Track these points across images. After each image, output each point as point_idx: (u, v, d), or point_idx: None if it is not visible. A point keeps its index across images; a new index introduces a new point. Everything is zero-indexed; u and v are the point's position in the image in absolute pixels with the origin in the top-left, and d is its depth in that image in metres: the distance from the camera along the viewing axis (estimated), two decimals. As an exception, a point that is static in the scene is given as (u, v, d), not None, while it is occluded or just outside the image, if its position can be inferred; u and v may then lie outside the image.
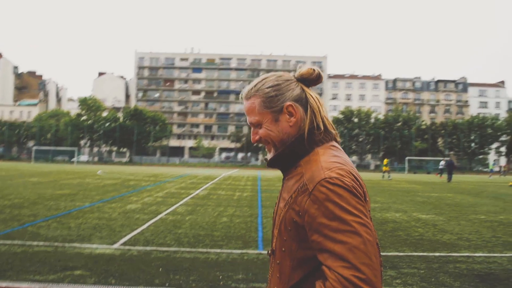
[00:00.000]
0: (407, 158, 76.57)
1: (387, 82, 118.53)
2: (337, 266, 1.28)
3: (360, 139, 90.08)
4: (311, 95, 1.57)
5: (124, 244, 8.13)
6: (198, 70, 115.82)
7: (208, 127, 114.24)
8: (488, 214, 14.13)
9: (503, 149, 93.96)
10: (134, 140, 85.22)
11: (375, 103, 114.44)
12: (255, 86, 1.58)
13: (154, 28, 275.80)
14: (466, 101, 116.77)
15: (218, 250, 7.85)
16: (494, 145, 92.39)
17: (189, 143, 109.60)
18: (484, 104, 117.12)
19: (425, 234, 10.16)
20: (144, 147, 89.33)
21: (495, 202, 18.28)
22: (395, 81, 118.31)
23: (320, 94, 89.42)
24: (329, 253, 1.31)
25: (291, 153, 1.53)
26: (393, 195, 20.44)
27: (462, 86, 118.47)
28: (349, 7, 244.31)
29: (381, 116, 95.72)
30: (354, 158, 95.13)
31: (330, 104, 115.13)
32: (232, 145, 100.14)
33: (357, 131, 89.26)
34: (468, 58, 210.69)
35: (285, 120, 1.54)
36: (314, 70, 1.58)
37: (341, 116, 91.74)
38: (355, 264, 1.26)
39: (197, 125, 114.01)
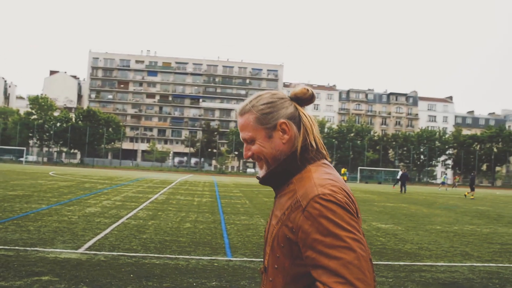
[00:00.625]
0: (359, 168, 78.17)
1: (341, 93, 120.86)
2: (332, 282, 1.27)
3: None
4: (304, 114, 1.59)
5: (89, 249, 7.89)
6: (153, 73, 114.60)
7: (162, 131, 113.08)
8: (443, 224, 14.56)
9: (449, 162, 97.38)
10: (86, 142, 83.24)
11: (329, 113, 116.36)
12: (250, 102, 1.59)
13: (110, 28, 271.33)
14: (416, 114, 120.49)
15: (187, 257, 7.75)
16: (442, 158, 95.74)
17: (142, 146, 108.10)
18: (432, 118, 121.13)
19: (387, 243, 10.37)
20: (96, 149, 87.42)
21: (448, 213, 18.86)
22: (348, 92, 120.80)
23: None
24: (323, 269, 1.31)
25: (283, 171, 1.54)
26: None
27: (413, 99, 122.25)
28: (306, 17, 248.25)
29: (334, 126, 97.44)
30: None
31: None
32: (186, 150, 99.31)
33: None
34: (419, 73, 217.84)
35: (278, 137, 1.54)
36: (308, 90, 1.60)
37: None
38: (349, 279, 1.26)
39: (150, 129, 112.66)
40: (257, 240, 9.73)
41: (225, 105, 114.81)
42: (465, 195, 33.39)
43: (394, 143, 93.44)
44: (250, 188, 31.41)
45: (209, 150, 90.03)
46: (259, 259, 7.88)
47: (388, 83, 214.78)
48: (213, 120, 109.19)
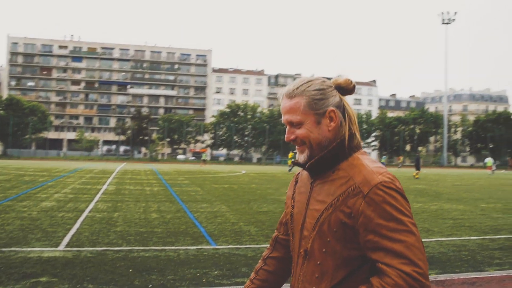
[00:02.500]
0: (291, 151, 79.56)
1: (269, 77, 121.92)
2: (397, 263, 1.36)
3: (246, 133, 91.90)
4: (347, 104, 1.63)
5: (69, 245, 7.54)
6: (78, 59, 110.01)
7: (88, 119, 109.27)
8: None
9: (375, 143, 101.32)
10: (10, 132, 78.79)
11: (258, 98, 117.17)
12: (300, 86, 1.59)
13: (30, 11, 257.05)
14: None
15: (173, 247, 7.61)
16: (370, 140, 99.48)
17: (68, 135, 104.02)
18: (358, 101, 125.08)
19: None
20: (20, 140, 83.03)
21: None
22: (277, 76, 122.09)
23: (204, 88, 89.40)
24: (386, 251, 1.38)
25: (332, 157, 1.57)
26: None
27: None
28: (234, 1, 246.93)
29: (265, 111, 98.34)
30: (237, 151, 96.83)
31: (214, 98, 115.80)
32: (116, 138, 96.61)
33: (243, 125, 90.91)
34: (344, 57, 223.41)
35: (326, 124, 1.58)
36: (351, 81, 1.63)
37: (227, 109, 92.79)
38: (413, 260, 1.35)
39: (76, 117, 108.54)
40: (231, 227, 9.73)
41: (153, 91, 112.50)
42: (414, 176, 33.89)
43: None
44: (194, 175, 31.24)
45: (140, 137, 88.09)
46: (244, 246, 7.89)
47: (315, 67, 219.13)
48: (142, 106, 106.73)
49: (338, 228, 1.48)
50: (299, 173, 1.84)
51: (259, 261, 1.94)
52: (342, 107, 1.61)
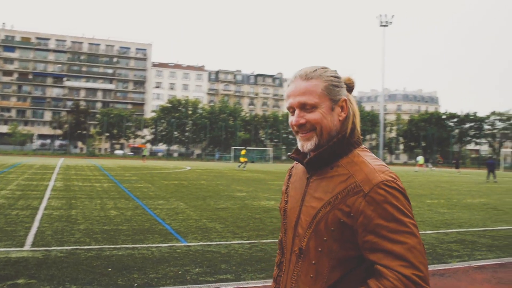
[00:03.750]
0: (232, 147, 79.67)
1: (210, 73, 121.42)
2: (397, 265, 1.32)
3: (187, 128, 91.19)
4: (353, 99, 1.63)
5: (35, 245, 7.22)
6: (10, 48, 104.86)
7: (21, 112, 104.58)
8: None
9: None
10: None
11: (198, 94, 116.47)
12: (316, 70, 1.55)
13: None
14: (282, 95, 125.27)
15: (144, 245, 7.47)
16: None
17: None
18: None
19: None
20: None
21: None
22: (217, 73, 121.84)
23: (144, 82, 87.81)
24: (385, 253, 1.34)
25: (332, 152, 1.52)
26: (250, 184, 21.28)
27: (279, 81, 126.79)
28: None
29: (205, 107, 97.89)
30: (177, 147, 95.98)
31: (154, 93, 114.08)
32: (51, 132, 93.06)
33: (184, 121, 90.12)
34: (284, 55, 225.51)
35: (337, 113, 1.53)
36: (353, 80, 1.64)
37: (168, 105, 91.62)
38: (414, 263, 1.31)
39: (8, 109, 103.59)
40: (195, 224, 9.67)
41: (91, 85, 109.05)
42: None
43: (264, 123, 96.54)
44: (140, 171, 30.74)
45: (78, 132, 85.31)
46: (215, 243, 7.87)
47: (255, 64, 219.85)
48: (79, 100, 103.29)
49: (336, 227, 1.43)
50: (292, 166, 1.79)
51: (274, 268, 1.84)
52: (348, 101, 1.59)
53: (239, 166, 38.83)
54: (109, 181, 20.10)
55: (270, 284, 1.64)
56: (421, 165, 49.60)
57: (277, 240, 8.34)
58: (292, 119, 1.54)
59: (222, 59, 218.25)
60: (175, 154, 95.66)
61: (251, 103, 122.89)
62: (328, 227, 1.44)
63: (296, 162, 1.73)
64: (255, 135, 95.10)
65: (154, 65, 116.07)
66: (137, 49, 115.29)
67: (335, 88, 1.53)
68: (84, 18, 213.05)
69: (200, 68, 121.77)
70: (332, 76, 1.55)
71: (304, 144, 1.52)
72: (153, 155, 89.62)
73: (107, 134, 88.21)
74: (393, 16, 72.16)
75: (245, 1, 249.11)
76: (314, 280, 1.47)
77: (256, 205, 13.22)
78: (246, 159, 37.77)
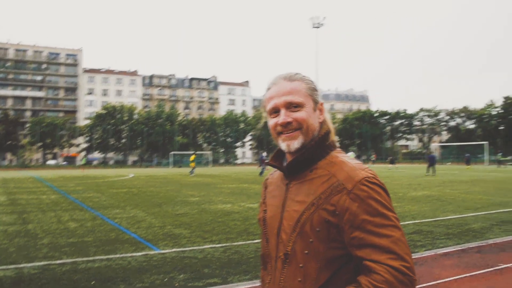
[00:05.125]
0: (171, 152, 78.82)
1: (144, 78, 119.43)
2: (385, 258, 1.34)
3: (123, 135, 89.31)
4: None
5: (3, 263, 6.90)
6: None
7: None
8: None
9: (252, 142, 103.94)
10: None
11: (132, 99, 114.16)
12: (297, 73, 1.61)
13: None
14: (217, 98, 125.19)
15: (119, 255, 7.35)
16: (246, 139, 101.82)
17: None
18: (232, 102, 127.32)
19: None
20: None
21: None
22: (151, 77, 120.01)
23: (75, 89, 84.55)
24: (373, 248, 1.37)
25: (310, 156, 1.54)
26: (200, 189, 21.21)
27: (214, 84, 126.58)
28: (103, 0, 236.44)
29: (141, 112, 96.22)
30: (113, 154, 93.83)
31: (86, 99, 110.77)
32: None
33: (120, 127, 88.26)
34: (218, 58, 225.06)
35: (317, 115, 1.59)
36: None
37: (103, 111, 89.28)
38: (401, 254, 1.35)
39: None
40: (161, 231, 9.60)
41: (19, 93, 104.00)
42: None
43: (202, 127, 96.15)
44: (83, 180, 29.82)
45: (9, 142, 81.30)
46: (189, 249, 7.87)
47: (190, 68, 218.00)
48: (6, 109, 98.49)
49: (322, 227, 1.44)
50: (267, 178, 1.80)
51: (259, 285, 1.78)
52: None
53: (191, 172, 37.11)
54: (55, 193, 19.40)
55: (258, 284, 1.59)
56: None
57: (248, 242, 8.52)
58: (276, 120, 1.55)
59: (156, 64, 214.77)
60: (111, 162, 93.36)
61: (187, 107, 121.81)
62: (314, 228, 1.45)
63: (271, 173, 1.78)
64: (193, 139, 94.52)
65: (86, 71, 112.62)
66: (67, 54, 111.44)
67: (315, 91, 1.59)
68: (10, 23, 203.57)
69: (134, 73, 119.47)
70: (311, 81, 1.61)
71: (290, 144, 1.53)
72: (88, 163, 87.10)
73: (40, 144, 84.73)
74: (324, 17, 73.97)
75: (175, 3, 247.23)
76: (303, 283, 1.47)
77: (215, 209, 13.25)
78: (194, 164, 36.81)
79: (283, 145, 1.55)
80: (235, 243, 8.34)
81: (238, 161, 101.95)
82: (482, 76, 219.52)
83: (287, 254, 1.50)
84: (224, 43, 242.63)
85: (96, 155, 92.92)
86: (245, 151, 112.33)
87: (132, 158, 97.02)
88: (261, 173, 33.94)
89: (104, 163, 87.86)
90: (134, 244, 8.34)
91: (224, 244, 8.24)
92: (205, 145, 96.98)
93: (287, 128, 1.53)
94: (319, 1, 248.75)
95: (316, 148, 1.54)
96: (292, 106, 1.53)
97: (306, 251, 1.46)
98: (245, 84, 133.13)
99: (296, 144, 1.52)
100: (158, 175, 37.84)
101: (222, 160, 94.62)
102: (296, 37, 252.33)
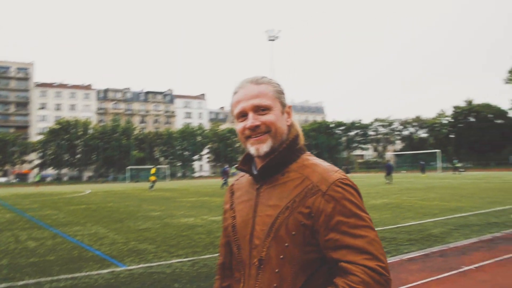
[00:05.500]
0: (128, 167, 77.60)
1: (98, 92, 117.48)
2: (361, 259, 1.34)
3: (78, 150, 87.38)
4: None
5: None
6: None
7: None
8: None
9: (209, 155, 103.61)
10: None
11: (87, 113, 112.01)
12: (264, 77, 1.59)
13: None
14: (173, 112, 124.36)
15: (83, 274, 7.17)
16: (204, 152, 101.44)
17: None
18: (188, 115, 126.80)
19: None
20: None
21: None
22: (106, 91, 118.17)
23: (27, 104, 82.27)
24: (348, 249, 1.36)
25: (282, 159, 1.53)
26: (160, 203, 20.97)
27: (170, 97, 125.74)
28: (57, 12, 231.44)
29: (96, 127, 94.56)
30: (67, 170, 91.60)
31: (39, 114, 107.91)
32: None
33: (75, 142, 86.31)
34: (173, 70, 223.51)
35: (285, 118, 1.58)
36: None
37: (57, 126, 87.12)
38: (376, 255, 1.35)
39: None
40: (125, 247, 9.43)
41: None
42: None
43: (158, 140, 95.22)
44: (38, 198, 29.06)
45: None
46: (155, 264, 7.77)
47: (145, 81, 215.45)
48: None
49: (297, 231, 1.42)
50: (233, 184, 1.76)
51: None
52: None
53: (151, 186, 36.32)
54: (9, 211, 18.78)
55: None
56: None
57: (215, 255, 8.47)
58: (244, 124, 1.53)
59: (110, 77, 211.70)
60: (65, 178, 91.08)
61: (143, 121, 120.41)
62: (289, 231, 1.43)
63: (237, 178, 1.75)
64: (149, 153, 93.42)
65: (38, 85, 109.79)
66: (18, 68, 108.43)
67: (281, 95, 1.57)
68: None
69: (88, 87, 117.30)
70: (278, 84, 1.60)
71: (259, 147, 1.51)
72: (42, 180, 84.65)
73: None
74: (280, 30, 74.90)
75: (129, 16, 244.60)
76: None
77: (177, 223, 13.13)
78: (155, 178, 35.96)
79: (252, 149, 1.52)
80: (202, 257, 8.29)
81: (196, 174, 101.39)
82: (434, 86, 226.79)
83: (262, 260, 1.48)
84: (180, 55, 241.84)
85: (50, 171, 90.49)
86: (202, 164, 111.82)
87: (87, 174, 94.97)
88: (223, 185, 33.84)
89: (58, 180, 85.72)
90: (99, 261, 8.16)
91: (191, 258, 8.18)
92: (162, 159, 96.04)
93: (255, 131, 1.51)
94: (275, 13, 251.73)
95: (288, 151, 1.53)
96: (260, 110, 1.51)
97: (281, 256, 1.44)
98: (201, 97, 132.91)
99: (265, 147, 1.50)
100: (116, 190, 37.20)
101: (179, 174, 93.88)
102: (252, 49, 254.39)
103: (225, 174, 35.02)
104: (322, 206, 1.40)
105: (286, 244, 1.43)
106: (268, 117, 1.51)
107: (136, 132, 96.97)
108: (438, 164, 65.03)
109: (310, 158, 1.56)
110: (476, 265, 6.81)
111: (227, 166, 39.71)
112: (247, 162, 1.63)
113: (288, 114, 1.59)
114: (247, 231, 1.54)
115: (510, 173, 49.19)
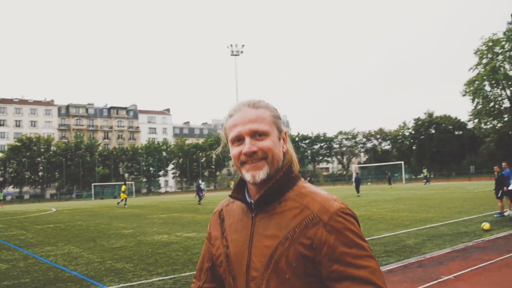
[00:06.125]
0: (93, 184, 76.22)
1: (60, 108, 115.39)
2: None
3: (40, 167, 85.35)
4: None
5: None
6: None
7: None
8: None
9: (175, 170, 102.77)
10: None
11: (48, 130, 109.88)
12: (261, 101, 1.55)
13: None
14: (137, 127, 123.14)
15: (63, 295, 7.09)
16: (169, 168, 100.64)
17: None
18: (153, 130, 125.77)
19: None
20: None
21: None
22: (68, 107, 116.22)
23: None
24: (352, 280, 1.32)
25: (278, 187, 1.48)
26: (131, 220, 20.69)
27: (133, 113, 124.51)
28: (17, 24, 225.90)
29: (59, 144, 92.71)
30: (28, 188, 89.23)
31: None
32: None
33: (37, 160, 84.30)
34: (138, 86, 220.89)
35: (281, 144, 1.53)
36: None
37: (18, 143, 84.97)
38: (379, 285, 1.32)
39: None
40: (102, 267, 9.31)
41: None
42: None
43: (123, 156, 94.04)
44: (2, 217, 28.15)
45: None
46: (136, 283, 7.69)
47: (108, 97, 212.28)
48: None
49: (298, 262, 1.37)
50: (221, 209, 1.69)
51: None
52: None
53: (118, 203, 35.99)
54: (-28, 232, 18.19)
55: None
56: None
57: (193, 272, 8.42)
58: (240, 148, 1.46)
59: (72, 93, 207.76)
60: (27, 196, 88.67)
61: (106, 137, 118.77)
62: (290, 263, 1.38)
63: (225, 204, 1.69)
64: (114, 169, 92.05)
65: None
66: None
67: (278, 120, 1.53)
68: None
69: (49, 103, 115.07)
70: (275, 109, 1.55)
71: (256, 174, 1.45)
72: (4, 199, 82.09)
73: None
74: (243, 45, 75.42)
75: (91, 30, 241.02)
76: None
77: (151, 240, 13.00)
78: (126, 196, 35.37)
79: (247, 176, 1.46)
80: (183, 274, 8.26)
81: (162, 190, 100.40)
82: (396, 98, 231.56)
83: None
84: (143, 70, 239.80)
85: (11, 189, 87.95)
86: (168, 180, 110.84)
87: (50, 191, 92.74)
88: (199, 201, 33.93)
89: (20, 198, 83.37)
90: (77, 282, 8.02)
91: (172, 276, 8.13)
92: (126, 175, 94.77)
93: (252, 157, 1.45)
94: (239, 28, 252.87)
95: (285, 179, 1.48)
96: (257, 135, 1.46)
97: None
98: (166, 112, 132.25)
99: (261, 174, 1.44)
100: (82, 208, 36.46)
101: (144, 190, 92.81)
102: (217, 64, 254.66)
103: (199, 191, 35.15)
104: (325, 237, 1.35)
105: (287, 277, 1.38)
106: (265, 143, 1.45)
107: (100, 148, 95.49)
108: (402, 176, 66.27)
109: (307, 185, 1.51)
110: (455, 275, 7.03)
111: (200, 181, 39.48)
112: (240, 190, 1.58)
113: (284, 140, 1.54)
114: (243, 262, 1.48)
115: (471, 183, 50.68)
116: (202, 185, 39.93)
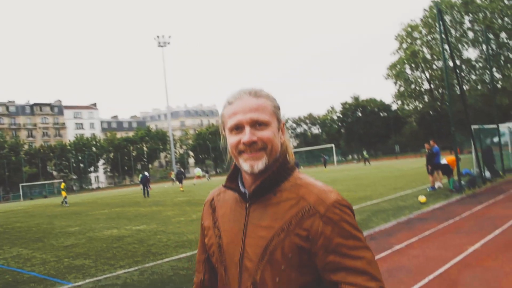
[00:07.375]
0: (21, 185, 73.13)
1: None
2: (362, 280, 1.32)
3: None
4: None
5: None
6: None
7: None
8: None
9: (106, 165, 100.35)
10: None
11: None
12: (262, 90, 1.53)
13: None
14: (63, 123, 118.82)
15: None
16: (100, 163, 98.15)
17: None
18: (80, 126, 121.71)
19: (169, 239, 11.24)
20: None
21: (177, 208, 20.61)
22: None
23: None
24: (348, 270, 1.33)
25: (275, 178, 1.47)
26: (73, 218, 20.27)
27: (58, 109, 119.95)
28: None
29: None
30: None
31: None
32: None
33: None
34: (63, 80, 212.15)
35: (279, 135, 1.51)
36: None
37: None
38: (375, 275, 1.33)
39: None
40: (61, 265, 9.24)
41: None
42: (180, 189, 35.18)
43: (51, 154, 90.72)
44: None
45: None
46: (102, 277, 7.74)
47: (31, 93, 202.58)
48: None
49: (294, 253, 1.38)
50: (212, 199, 1.68)
51: None
52: None
53: (63, 202, 34.09)
54: None
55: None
56: (199, 177, 50.62)
57: (158, 262, 8.58)
58: (239, 137, 1.45)
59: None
60: None
61: (30, 135, 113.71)
62: (285, 254, 1.38)
63: (216, 193, 1.68)
64: (42, 168, 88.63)
65: None
66: None
67: (278, 110, 1.52)
68: None
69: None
70: (275, 98, 1.53)
71: (254, 164, 1.43)
72: None
73: None
74: (170, 36, 74.65)
75: (11, 23, 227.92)
76: None
77: (102, 236, 12.95)
78: (65, 194, 33.83)
79: (245, 165, 1.44)
80: (147, 265, 8.38)
81: (93, 186, 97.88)
82: (324, 83, 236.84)
83: (256, 283, 1.42)
84: (67, 65, 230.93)
85: None
86: (98, 175, 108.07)
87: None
88: (146, 193, 32.39)
89: None
90: (40, 282, 7.94)
91: (136, 268, 8.24)
92: (55, 173, 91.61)
93: (251, 147, 1.42)
94: (166, 19, 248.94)
95: (281, 169, 1.48)
96: (257, 124, 1.43)
97: (277, 279, 1.39)
98: (93, 106, 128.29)
99: (260, 165, 1.42)
100: (15, 210, 35.05)
101: (75, 187, 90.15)
102: (144, 56, 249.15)
103: (147, 182, 33.32)
104: (321, 228, 1.35)
105: (283, 267, 1.38)
106: (265, 134, 1.43)
107: (25, 147, 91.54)
108: (334, 158, 68.42)
109: (302, 176, 1.50)
110: (405, 243, 7.69)
111: (146, 172, 37.81)
112: (234, 179, 1.57)
113: (282, 131, 1.53)
114: (236, 253, 1.47)
115: (398, 161, 53.39)
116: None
